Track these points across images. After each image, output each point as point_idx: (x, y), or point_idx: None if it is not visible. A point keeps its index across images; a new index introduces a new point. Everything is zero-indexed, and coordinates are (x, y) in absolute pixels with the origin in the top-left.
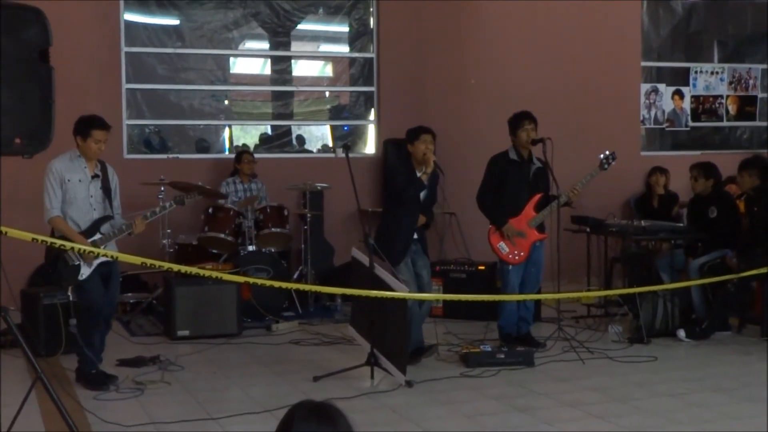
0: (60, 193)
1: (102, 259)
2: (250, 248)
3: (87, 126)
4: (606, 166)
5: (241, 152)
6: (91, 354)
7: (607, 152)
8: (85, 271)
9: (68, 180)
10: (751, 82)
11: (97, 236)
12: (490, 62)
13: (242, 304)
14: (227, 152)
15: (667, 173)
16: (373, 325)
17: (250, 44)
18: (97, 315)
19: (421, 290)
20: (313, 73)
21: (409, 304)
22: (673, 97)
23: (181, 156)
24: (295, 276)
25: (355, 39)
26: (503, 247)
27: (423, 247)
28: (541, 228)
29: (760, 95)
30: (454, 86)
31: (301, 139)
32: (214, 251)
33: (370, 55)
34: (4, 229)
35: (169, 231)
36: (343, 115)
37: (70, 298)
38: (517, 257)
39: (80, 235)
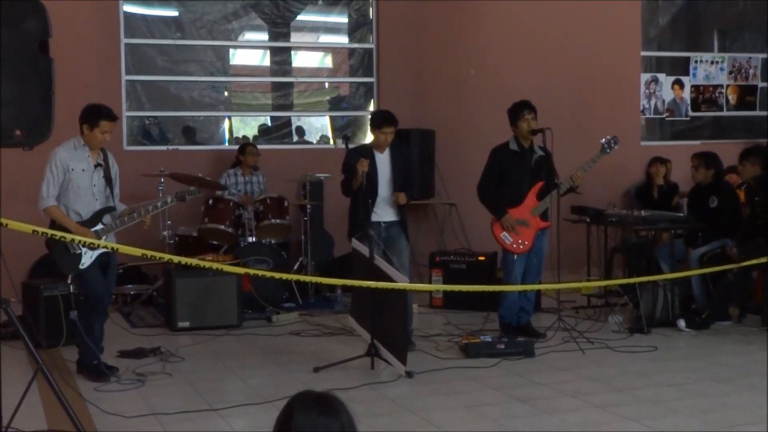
0: (60, 181)
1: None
2: (250, 239)
3: (95, 116)
4: (608, 149)
5: (246, 144)
6: (91, 343)
7: (609, 136)
8: (86, 261)
9: (72, 169)
10: (751, 71)
11: (99, 226)
12: (490, 53)
13: (242, 295)
14: (227, 143)
15: (668, 163)
16: (373, 316)
17: (250, 35)
18: (96, 304)
19: None
20: (312, 64)
21: None
22: (673, 87)
23: (180, 147)
24: (295, 267)
25: (355, 30)
26: (506, 237)
27: (402, 229)
28: (544, 216)
29: (761, 84)
30: (453, 77)
31: (300, 130)
32: (214, 242)
33: (370, 45)
34: (4, 221)
35: (169, 222)
36: (343, 105)
37: (71, 290)
38: (521, 246)
39: (81, 224)
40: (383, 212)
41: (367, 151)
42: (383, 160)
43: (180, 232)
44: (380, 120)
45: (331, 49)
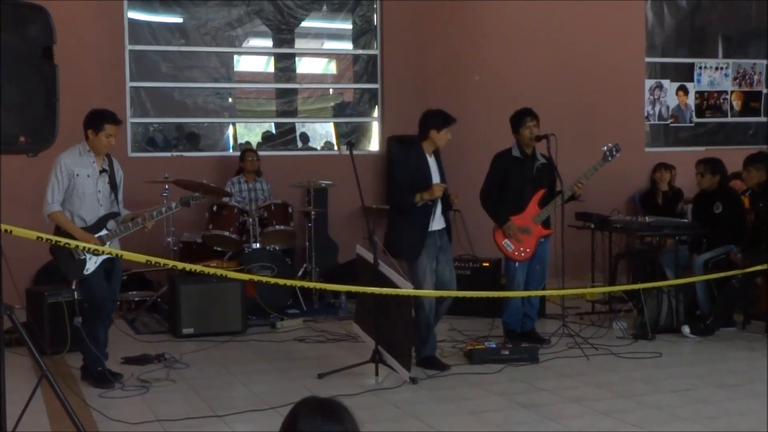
0: (64, 187)
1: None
2: (255, 246)
3: (100, 120)
4: (610, 157)
5: (245, 150)
6: (96, 349)
7: (610, 144)
8: (90, 266)
9: (77, 174)
10: (755, 77)
11: (104, 232)
12: (494, 59)
13: (247, 301)
14: (231, 150)
15: (672, 169)
16: (377, 322)
17: (254, 42)
18: (100, 309)
19: (442, 287)
20: (316, 70)
21: (427, 308)
22: (677, 93)
23: (185, 154)
24: (300, 273)
25: (359, 36)
26: (508, 244)
27: (450, 238)
28: (546, 223)
29: (765, 91)
30: (458, 83)
31: (305, 137)
32: (219, 249)
33: (374, 52)
34: (8, 227)
35: (173, 229)
36: (347, 112)
37: (75, 296)
38: (522, 254)
39: (86, 230)
40: (438, 220)
41: (424, 158)
42: (433, 165)
43: (184, 238)
44: (446, 119)
45: (336, 55)
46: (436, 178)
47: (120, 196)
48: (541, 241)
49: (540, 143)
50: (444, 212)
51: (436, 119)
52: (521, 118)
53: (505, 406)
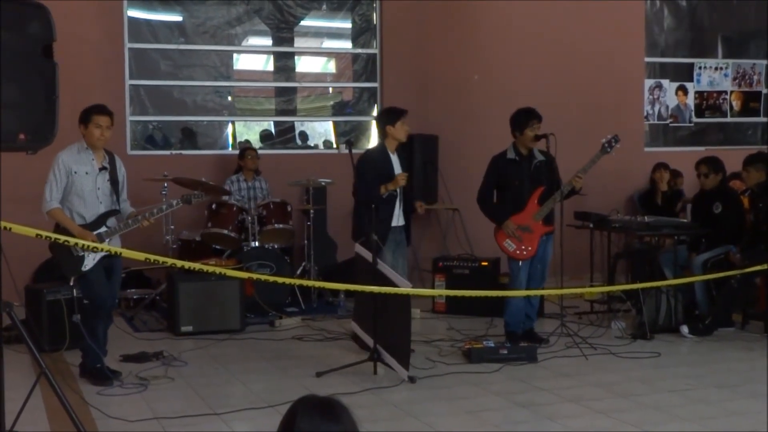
0: (63, 185)
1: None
2: (254, 244)
3: (87, 112)
4: (608, 149)
5: (245, 148)
6: (95, 346)
7: (609, 136)
8: (88, 263)
9: (75, 172)
10: (755, 77)
11: (103, 229)
12: (494, 58)
13: (245, 300)
14: (230, 148)
15: (679, 177)
16: (375, 321)
17: (253, 40)
18: (100, 307)
19: None
20: (316, 69)
21: None
22: (676, 93)
23: (184, 152)
24: (298, 272)
25: (359, 35)
26: (509, 244)
27: (407, 235)
28: (547, 220)
29: (765, 91)
30: (457, 82)
31: (304, 135)
32: (218, 247)
33: (374, 51)
34: (7, 224)
35: (172, 227)
36: (346, 111)
37: (74, 294)
38: (525, 252)
39: (85, 227)
40: (398, 217)
41: (386, 155)
42: (396, 162)
43: (183, 236)
44: (398, 112)
45: (335, 54)
46: (398, 173)
47: (124, 194)
48: (543, 238)
49: (540, 142)
50: (405, 213)
51: (387, 116)
52: (528, 119)
53: (503, 405)
